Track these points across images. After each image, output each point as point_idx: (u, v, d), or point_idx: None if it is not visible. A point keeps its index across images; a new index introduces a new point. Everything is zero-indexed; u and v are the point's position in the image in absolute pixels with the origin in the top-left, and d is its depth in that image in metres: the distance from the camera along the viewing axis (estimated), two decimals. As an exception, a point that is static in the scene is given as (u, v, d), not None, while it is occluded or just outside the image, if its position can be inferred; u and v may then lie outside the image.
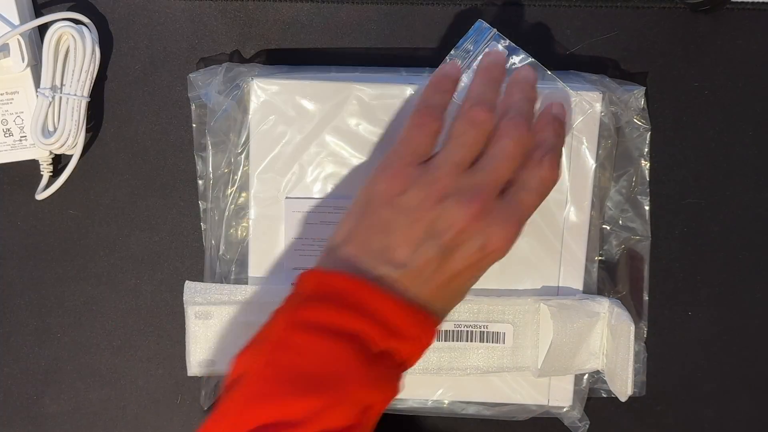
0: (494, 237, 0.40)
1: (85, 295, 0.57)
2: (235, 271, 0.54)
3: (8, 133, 0.54)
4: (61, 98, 0.53)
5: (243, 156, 0.53)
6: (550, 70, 0.50)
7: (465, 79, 0.47)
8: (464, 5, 0.55)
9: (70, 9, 0.54)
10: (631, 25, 0.55)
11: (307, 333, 0.40)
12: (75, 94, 0.52)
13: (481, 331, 0.53)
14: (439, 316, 0.42)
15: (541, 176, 0.42)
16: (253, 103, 0.51)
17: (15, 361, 0.57)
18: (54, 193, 0.55)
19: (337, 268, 0.41)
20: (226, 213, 0.54)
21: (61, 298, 0.57)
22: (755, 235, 0.57)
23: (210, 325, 0.52)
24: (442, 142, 0.43)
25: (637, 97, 0.53)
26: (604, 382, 0.55)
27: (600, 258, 0.55)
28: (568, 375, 0.54)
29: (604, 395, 0.56)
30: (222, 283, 0.54)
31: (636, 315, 0.55)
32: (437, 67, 0.47)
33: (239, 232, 0.54)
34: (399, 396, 0.54)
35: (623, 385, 0.51)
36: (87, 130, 0.55)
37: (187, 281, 0.53)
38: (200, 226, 0.56)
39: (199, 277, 0.55)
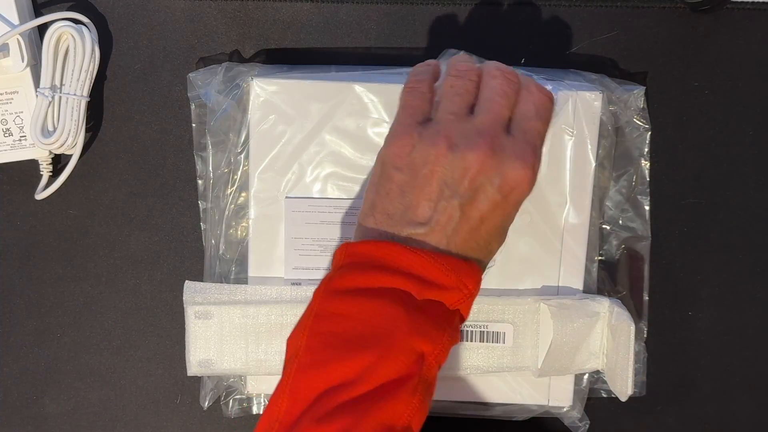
0: (511, 172, 0.40)
1: (84, 295, 0.57)
2: (235, 270, 0.54)
3: (8, 132, 0.54)
4: (60, 98, 0.52)
5: (243, 156, 0.53)
6: (550, 69, 0.50)
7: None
8: (464, 5, 0.55)
9: (69, 9, 0.54)
10: (631, 25, 0.55)
11: (344, 298, 0.40)
12: (75, 94, 0.52)
13: (481, 331, 0.53)
14: (478, 262, 0.42)
15: (536, 101, 0.42)
16: (253, 103, 0.51)
17: (14, 361, 0.57)
18: (53, 193, 0.55)
19: (365, 238, 0.42)
20: (226, 213, 0.54)
21: (61, 298, 0.57)
22: (755, 235, 0.57)
23: (210, 325, 0.52)
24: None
25: (637, 96, 0.53)
26: (604, 382, 0.55)
27: (600, 258, 0.55)
28: (568, 375, 0.54)
29: (604, 395, 0.56)
30: (222, 282, 0.54)
31: (636, 315, 0.55)
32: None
33: (239, 232, 0.54)
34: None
35: (623, 385, 0.51)
36: (87, 130, 0.55)
37: (186, 281, 0.53)
38: (200, 225, 0.56)
39: (198, 276, 0.55)
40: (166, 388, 0.58)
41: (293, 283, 0.53)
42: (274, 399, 0.40)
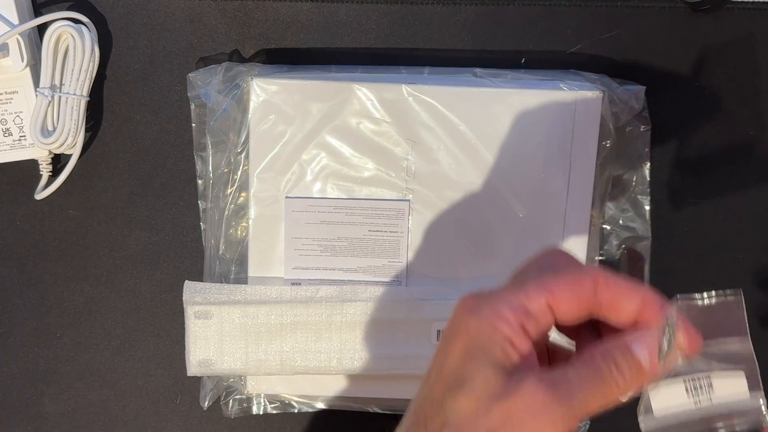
0: None
1: (84, 295, 0.57)
2: (234, 270, 0.54)
3: (7, 132, 0.54)
4: (60, 98, 0.52)
5: (243, 155, 0.53)
6: (550, 69, 0.50)
7: None
8: (464, 5, 0.55)
9: (69, 8, 0.54)
10: (631, 25, 0.55)
11: None
12: (74, 94, 0.52)
13: (481, 331, 0.53)
14: None
15: None
16: (253, 103, 0.51)
17: (14, 361, 0.57)
18: (53, 192, 0.55)
19: None
20: (226, 213, 0.54)
21: (61, 298, 0.57)
22: (755, 235, 0.57)
23: (210, 324, 0.52)
24: None
25: (637, 97, 0.53)
26: (604, 382, 0.55)
27: (600, 258, 0.55)
28: (568, 375, 0.54)
29: (604, 395, 0.56)
30: (222, 282, 0.54)
31: (636, 315, 0.55)
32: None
33: (239, 232, 0.54)
34: (398, 396, 0.54)
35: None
36: (86, 130, 0.54)
37: (186, 281, 0.53)
38: (200, 225, 0.56)
39: (198, 276, 0.55)
40: (166, 388, 0.58)
41: (293, 283, 0.53)
42: None
